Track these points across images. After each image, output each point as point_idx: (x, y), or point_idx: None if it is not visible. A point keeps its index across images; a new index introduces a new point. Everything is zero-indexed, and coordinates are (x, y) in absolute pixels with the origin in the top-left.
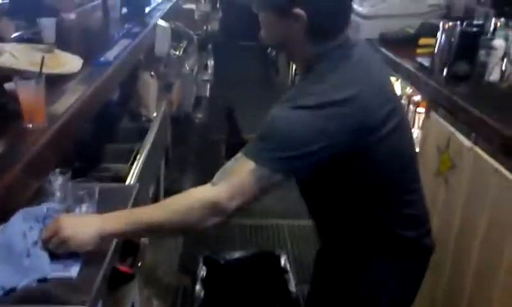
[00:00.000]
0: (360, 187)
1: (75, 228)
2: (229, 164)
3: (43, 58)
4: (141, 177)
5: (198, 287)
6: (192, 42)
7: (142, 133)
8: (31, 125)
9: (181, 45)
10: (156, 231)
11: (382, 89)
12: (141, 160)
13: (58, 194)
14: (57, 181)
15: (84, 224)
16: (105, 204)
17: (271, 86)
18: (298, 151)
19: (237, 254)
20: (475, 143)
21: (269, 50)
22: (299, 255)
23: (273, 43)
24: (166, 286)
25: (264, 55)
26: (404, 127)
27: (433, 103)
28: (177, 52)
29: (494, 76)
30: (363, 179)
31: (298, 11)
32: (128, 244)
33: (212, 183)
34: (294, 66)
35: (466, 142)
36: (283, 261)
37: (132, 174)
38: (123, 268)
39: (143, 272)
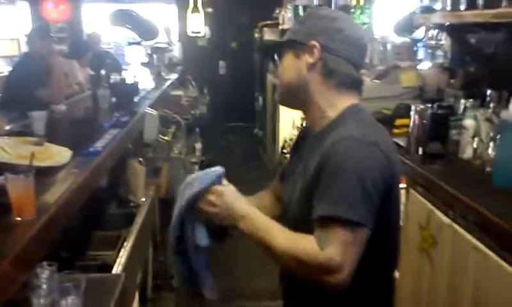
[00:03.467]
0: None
1: (232, 206)
2: (322, 226)
3: (32, 153)
4: (128, 263)
5: None
6: (180, 127)
7: (130, 219)
8: (19, 218)
9: (169, 130)
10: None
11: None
12: (128, 247)
13: (44, 286)
14: (44, 274)
15: (237, 208)
16: (91, 296)
17: (258, 164)
18: (373, 192)
19: None
20: (454, 220)
21: (256, 130)
22: None
23: (290, 93)
24: None
25: (250, 135)
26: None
27: (411, 182)
28: (166, 137)
29: (467, 154)
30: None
31: (313, 42)
32: None
33: (320, 245)
34: (281, 142)
35: (445, 219)
36: None
37: (120, 262)
38: None
39: None
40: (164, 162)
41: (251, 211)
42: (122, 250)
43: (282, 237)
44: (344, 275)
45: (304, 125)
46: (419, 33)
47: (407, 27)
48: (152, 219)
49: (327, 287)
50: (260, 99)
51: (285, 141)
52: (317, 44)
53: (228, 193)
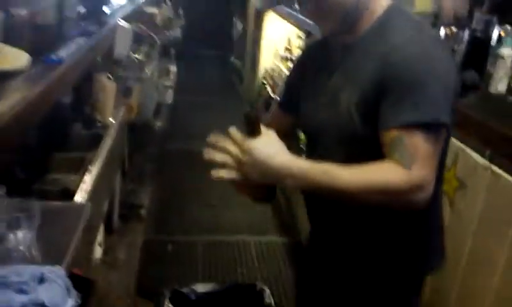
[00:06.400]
0: None
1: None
2: (402, 142)
3: None
4: (93, 190)
5: None
6: (154, 46)
7: (96, 141)
8: None
9: (142, 48)
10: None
11: None
12: (94, 171)
13: None
14: None
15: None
16: (48, 229)
17: (232, 94)
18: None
19: (210, 287)
20: (491, 161)
21: (232, 58)
22: (269, 274)
23: (346, 16)
24: None
25: (226, 64)
26: None
27: None
28: (138, 56)
29: (501, 87)
30: None
31: None
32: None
33: (405, 166)
34: (262, 72)
35: (481, 160)
36: (266, 296)
37: (83, 187)
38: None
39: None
40: (136, 83)
41: (294, 162)
42: (86, 174)
43: (347, 174)
44: (431, 189)
45: (316, 39)
46: None
47: None
48: (120, 143)
49: (410, 208)
50: (240, 25)
51: (266, 71)
52: None
53: (258, 148)
